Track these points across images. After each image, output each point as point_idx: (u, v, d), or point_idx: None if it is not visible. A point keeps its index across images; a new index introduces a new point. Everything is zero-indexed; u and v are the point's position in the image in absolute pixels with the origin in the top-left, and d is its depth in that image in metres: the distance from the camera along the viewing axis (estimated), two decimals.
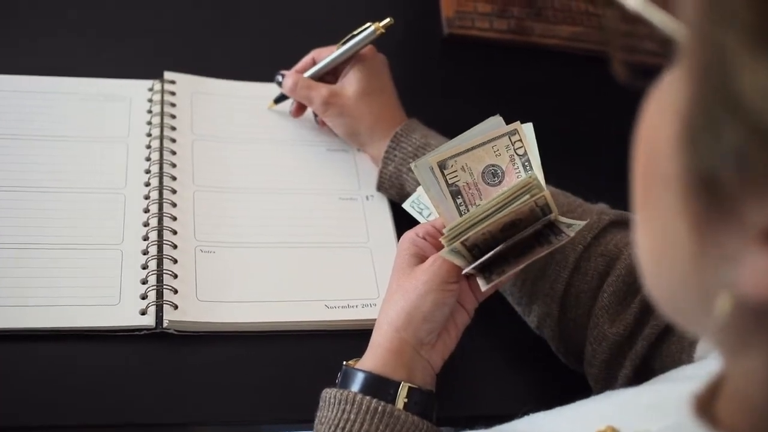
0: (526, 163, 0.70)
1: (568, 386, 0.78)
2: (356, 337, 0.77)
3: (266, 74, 0.97)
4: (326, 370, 0.75)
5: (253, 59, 1.01)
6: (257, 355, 0.75)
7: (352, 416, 0.63)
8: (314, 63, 0.90)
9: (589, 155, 1.01)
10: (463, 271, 0.68)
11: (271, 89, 0.95)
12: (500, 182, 0.70)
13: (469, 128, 0.71)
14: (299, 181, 0.87)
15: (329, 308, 0.78)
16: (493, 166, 0.70)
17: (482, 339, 0.79)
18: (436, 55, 1.10)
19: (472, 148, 0.70)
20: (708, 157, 0.30)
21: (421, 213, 0.78)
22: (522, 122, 0.71)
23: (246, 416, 0.73)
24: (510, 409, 0.77)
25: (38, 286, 0.74)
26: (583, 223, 0.68)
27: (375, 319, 0.76)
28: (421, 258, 0.70)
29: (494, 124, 0.71)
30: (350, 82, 0.87)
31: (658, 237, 0.35)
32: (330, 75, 0.89)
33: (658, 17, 0.34)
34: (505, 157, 0.70)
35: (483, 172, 0.70)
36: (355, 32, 0.87)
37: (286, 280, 0.79)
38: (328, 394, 0.66)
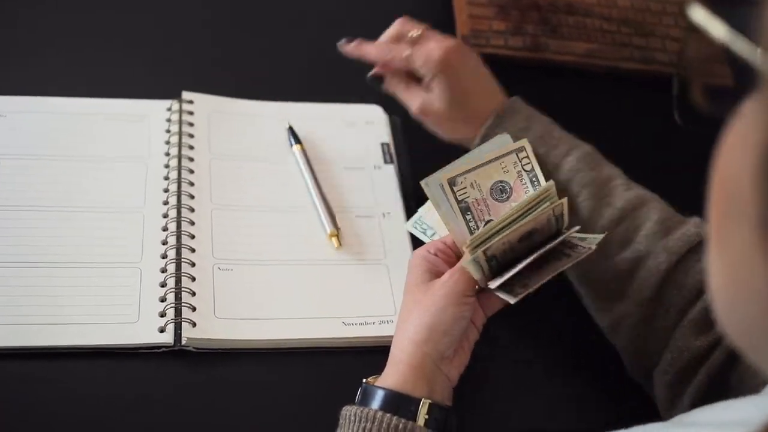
0: (534, 179, 0.72)
1: (593, 403, 0.79)
2: (374, 354, 0.77)
3: (284, 94, 0.98)
4: (344, 386, 0.75)
5: (270, 78, 1.02)
6: (275, 373, 0.76)
7: None
8: (398, 38, 0.85)
9: None
10: (491, 285, 0.68)
11: (287, 109, 0.96)
12: (508, 198, 0.71)
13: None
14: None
15: (346, 325, 0.78)
16: (501, 182, 0.72)
17: (506, 357, 0.79)
18: None
19: (481, 165, 0.72)
20: None
21: (424, 233, 0.79)
22: (530, 139, 0.72)
23: None
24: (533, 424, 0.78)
25: (57, 305, 0.74)
26: (600, 236, 0.69)
27: (392, 336, 0.77)
28: (435, 274, 0.71)
29: (502, 141, 0.73)
30: (437, 98, 0.82)
31: (733, 271, 0.35)
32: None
33: (743, 47, 0.34)
34: (512, 174, 0.72)
35: (491, 189, 0.72)
36: None
37: (303, 298, 0.79)
38: (348, 411, 0.66)
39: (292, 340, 0.77)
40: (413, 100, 0.83)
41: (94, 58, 0.99)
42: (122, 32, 1.03)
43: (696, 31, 0.37)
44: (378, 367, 0.75)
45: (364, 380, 0.69)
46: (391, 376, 0.67)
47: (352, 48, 0.87)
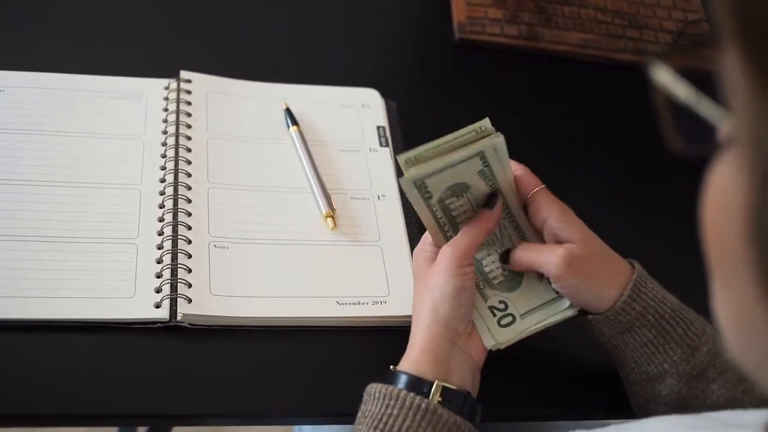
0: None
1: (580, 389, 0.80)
2: (366, 334, 0.79)
3: (282, 75, 0.98)
4: (335, 364, 0.76)
5: (268, 60, 1.02)
6: (268, 350, 0.76)
7: (395, 411, 0.64)
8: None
9: (597, 160, 1.02)
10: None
11: (284, 90, 0.96)
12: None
13: None
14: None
15: (340, 305, 0.79)
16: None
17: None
18: (447, 60, 1.11)
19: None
20: None
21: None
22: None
23: (257, 409, 0.74)
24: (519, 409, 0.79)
25: (54, 278, 0.75)
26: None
27: (385, 317, 0.79)
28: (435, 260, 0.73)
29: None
30: (579, 242, 0.71)
31: (738, 313, 0.36)
32: None
33: (708, 110, 0.35)
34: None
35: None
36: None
37: (298, 277, 0.80)
38: (374, 388, 0.67)
39: (286, 318, 0.77)
40: (554, 252, 0.70)
41: (93, 35, 0.99)
42: (122, 10, 1.03)
43: (660, 90, 0.37)
44: (369, 347, 0.77)
45: (391, 367, 0.69)
46: (408, 362, 0.68)
47: None
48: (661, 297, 0.72)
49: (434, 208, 0.71)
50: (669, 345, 0.70)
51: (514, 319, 0.74)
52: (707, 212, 0.36)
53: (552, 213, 0.71)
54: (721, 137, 0.35)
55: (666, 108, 0.37)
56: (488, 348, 0.72)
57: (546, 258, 0.71)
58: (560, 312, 0.74)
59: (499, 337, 0.73)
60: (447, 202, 0.71)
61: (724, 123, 0.34)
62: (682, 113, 0.36)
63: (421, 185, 0.68)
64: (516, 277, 0.75)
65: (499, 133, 0.69)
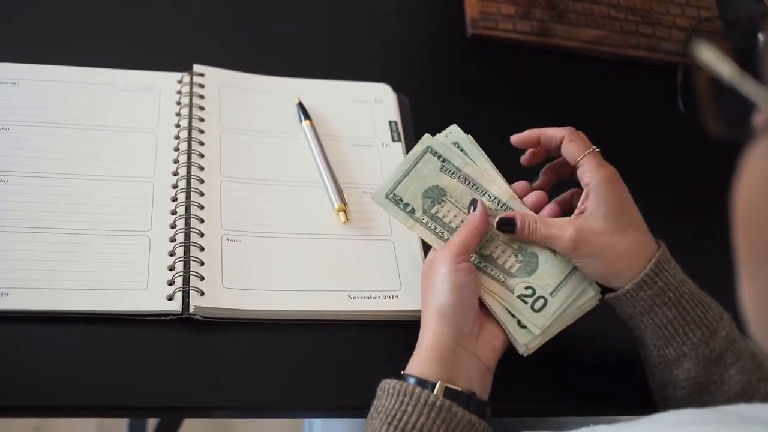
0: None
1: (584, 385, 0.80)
2: (377, 328, 0.78)
3: (294, 69, 0.98)
4: (346, 358, 0.77)
5: (281, 54, 1.03)
6: (280, 343, 0.77)
7: (410, 408, 0.64)
8: (539, 142, 0.78)
9: (609, 157, 1.02)
10: None
11: (297, 85, 0.96)
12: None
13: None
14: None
15: (352, 299, 0.79)
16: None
17: None
18: (460, 56, 1.11)
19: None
20: None
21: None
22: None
23: (267, 402, 0.74)
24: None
25: (68, 270, 0.75)
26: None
27: (397, 311, 0.79)
28: None
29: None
30: (599, 218, 0.71)
31: (766, 300, 0.36)
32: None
33: (751, 89, 0.35)
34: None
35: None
36: None
37: (309, 271, 0.80)
38: (388, 384, 0.67)
39: (297, 311, 0.77)
40: (563, 229, 0.72)
41: (107, 28, 0.99)
42: (136, 4, 1.03)
43: (703, 69, 0.37)
44: (380, 341, 0.77)
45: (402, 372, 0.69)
46: (413, 364, 0.68)
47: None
48: (681, 278, 0.72)
49: (424, 220, 0.74)
50: (689, 326, 0.71)
51: (546, 300, 0.74)
52: (741, 196, 0.36)
53: (593, 179, 0.72)
54: (761, 120, 0.35)
55: (707, 89, 0.37)
56: (526, 349, 0.73)
57: (556, 233, 0.72)
58: (588, 300, 0.74)
59: (538, 322, 0.73)
60: (433, 211, 0.74)
61: (766, 103, 0.34)
62: (721, 96, 0.36)
63: (395, 198, 0.73)
64: (531, 259, 0.75)
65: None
